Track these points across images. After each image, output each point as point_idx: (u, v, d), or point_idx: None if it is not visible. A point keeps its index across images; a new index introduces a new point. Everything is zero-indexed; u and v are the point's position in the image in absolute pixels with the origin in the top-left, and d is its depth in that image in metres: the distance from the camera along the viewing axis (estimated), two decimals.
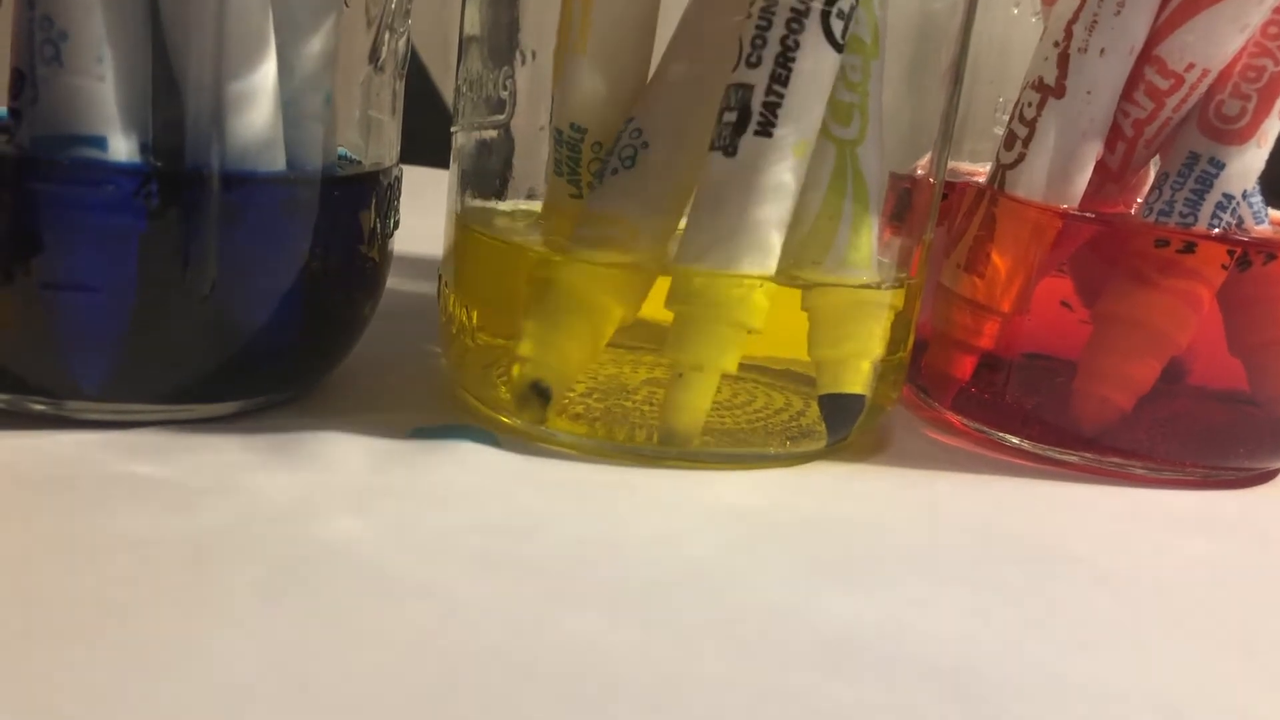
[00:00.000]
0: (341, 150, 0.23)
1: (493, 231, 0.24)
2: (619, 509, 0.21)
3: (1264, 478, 0.27)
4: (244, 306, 0.21)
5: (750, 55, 0.21)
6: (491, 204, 0.25)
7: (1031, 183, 0.25)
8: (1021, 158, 0.25)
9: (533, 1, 0.24)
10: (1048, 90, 0.25)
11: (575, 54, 0.22)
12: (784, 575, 0.19)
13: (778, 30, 0.21)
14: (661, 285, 0.22)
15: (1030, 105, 0.25)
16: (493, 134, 0.24)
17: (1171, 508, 0.24)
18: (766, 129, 0.21)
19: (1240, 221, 0.25)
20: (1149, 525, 0.23)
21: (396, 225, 0.25)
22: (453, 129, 0.25)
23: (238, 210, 0.21)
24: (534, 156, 0.24)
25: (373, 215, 0.23)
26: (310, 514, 0.19)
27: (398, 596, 0.17)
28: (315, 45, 0.21)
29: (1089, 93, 0.25)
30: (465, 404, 0.25)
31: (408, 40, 0.24)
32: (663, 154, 0.22)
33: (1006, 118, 0.26)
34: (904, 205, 0.24)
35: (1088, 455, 0.26)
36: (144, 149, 0.20)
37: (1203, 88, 0.24)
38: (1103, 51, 0.24)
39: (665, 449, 0.23)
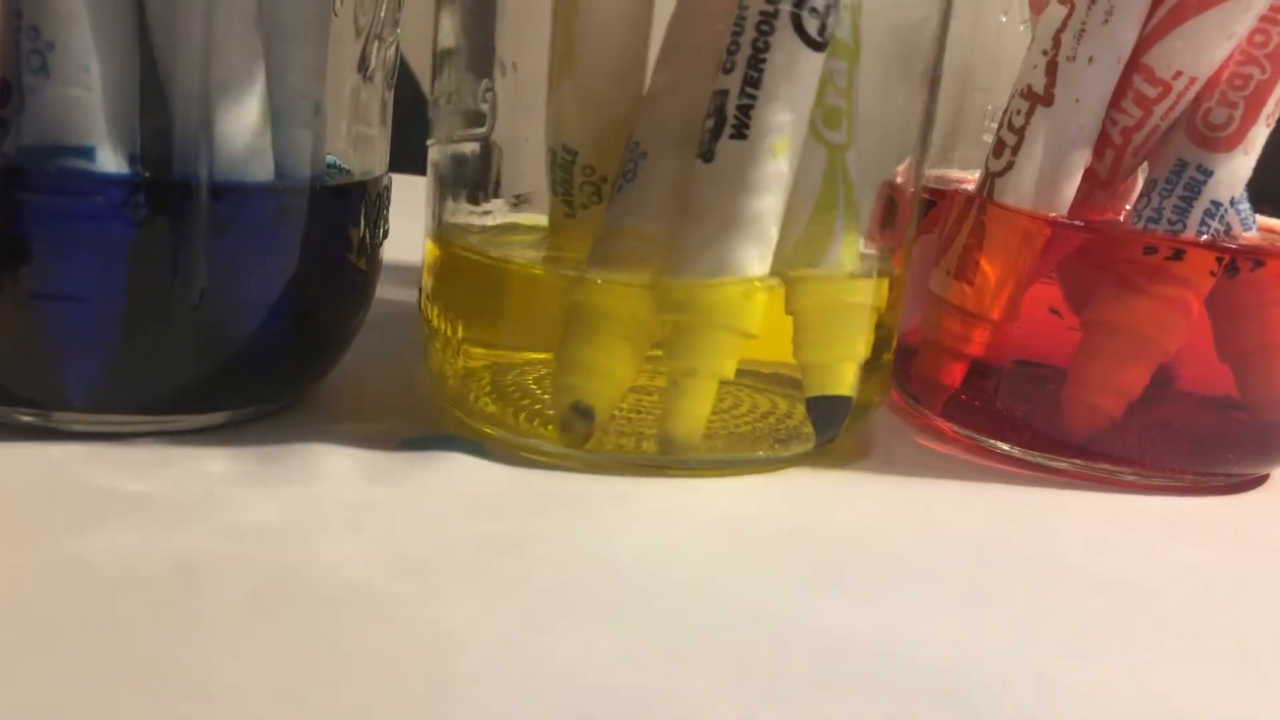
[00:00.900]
0: (331, 159, 0.23)
1: (471, 244, 0.24)
2: (608, 519, 0.21)
3: (1254, 483, 0.27)
4: (233, 316, 0.21)
5: (725, 61, 0.21)
6: (470, 216, 0.25)
7: (1020, 190, 0.25)
8: (1010, 165, 0.25)
9: (511, 13, 0.24)
10: (1036, 98, 0.25)
11: (561, 80, 0.22)
12: (776, 584, 0.19)
13: (749, 34, 0.21)
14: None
15: (1019, 113, 0.25)
16: (473, 147, 0.24)
17: (1162, 514, 0.24)
18: (741, 131, 0.21)
19: (1228, 228, 0.25)
20: (1140, 531, 0.23)
21: (386, 234, 0.25)
22: (429, 142, 0.25)
23: (227, 220, 0.21)
24: (516, 167, 0.24)
25: (362, 224, 0.23)
26: (300, 528, 0.19)
27: (388, 611, 0.17)
28: (304, 54, 0.21)
29: (1077, 101, 0.25)
30: (450, 414, 0.24)
31: (396, 50, 0.24)
32: (660, 162, 0.22)
33: (995, 125, 0.26)
34: (886, 211, 0.24)
35: (1078, 462, 0.26)
36: (132, 159, 0.20)
37: (1190, 95, 0.25)
38: (1091, 60, 0.24)
39: (653, 457, 0.23)
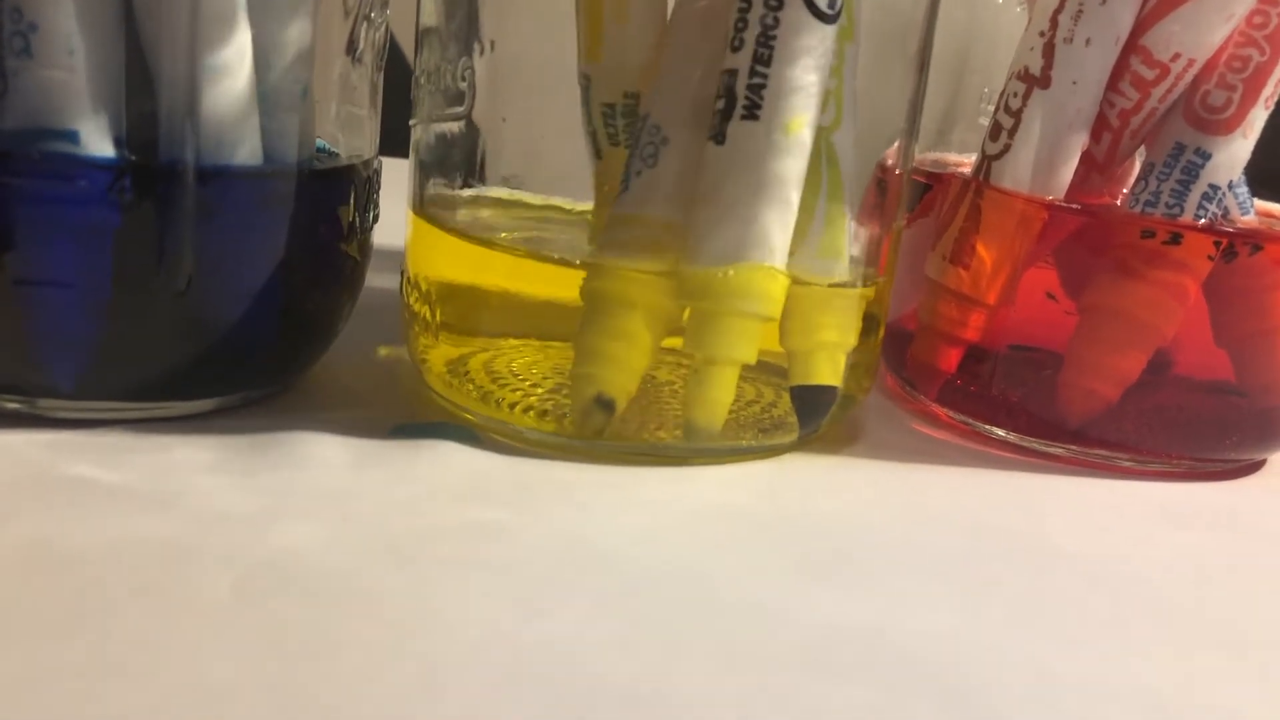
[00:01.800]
0: (320, 143, 0.23)
1: (454, 225, 0.24)
2: (598, 507, 0.21)
3: (1250, 469, 0.27)
4: (221, 302, 0.21)
5: (734, 39, 0.21)
6: (453, 194, 0.24)
7: (1017, 174, 0.25)
8: (1007, 149, 0.25)
9: None
10: (1033, 81, 0.25)
11: (595, 43, 0.22)
12: (768, 573, 0.19)
13: (757, 10, 0.20)
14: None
15: (1016, 96, 0.25)
16: (453, 127, 0.24)
17: (1158, 499, 0.24)
18: (753, 112, 0.21)
19: (1226, 212, 0.25)
20: (1135, 517, 0.23)
21: (376, 219, 0.25)
22: (411, 122, 0.24)
23: (214, 204, 0.20)
24: (498, 148, 0.24)
25: (351, 209, 0.23)
26: (290, 515, 0.19)
27: (377, 599, 0.17)
28: (292, 36, 0.21)
29: (1075, 83, 0.24)
30: (436, 401, 0.24)
31: (386, 31, 0.24)
32: (682, 148, 0.21)
33: (992, 108, 0.26)
34: (875, 194, 0.24)
35: (1074, 447, 0.26)
36: (117, 142, 0.20)
37: (1188, 78, 0.24)
38: (1088, 41, 0.24)
39: (641, 445, 0.22)
